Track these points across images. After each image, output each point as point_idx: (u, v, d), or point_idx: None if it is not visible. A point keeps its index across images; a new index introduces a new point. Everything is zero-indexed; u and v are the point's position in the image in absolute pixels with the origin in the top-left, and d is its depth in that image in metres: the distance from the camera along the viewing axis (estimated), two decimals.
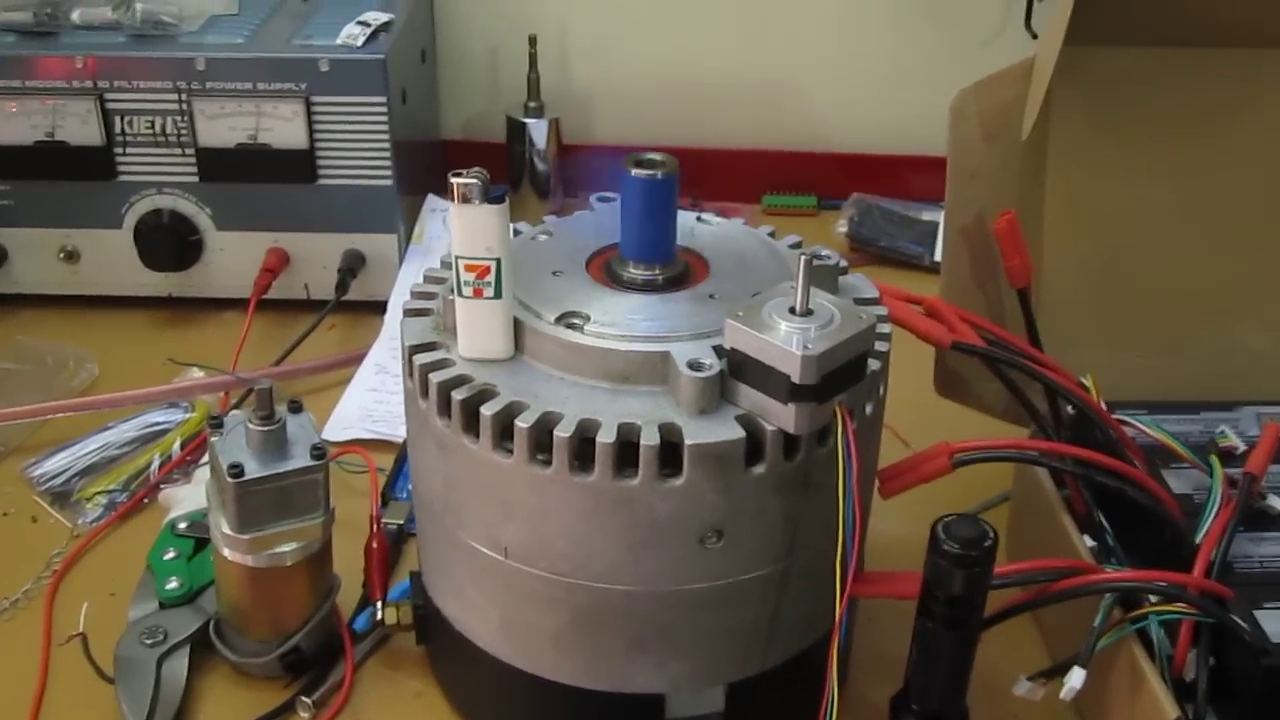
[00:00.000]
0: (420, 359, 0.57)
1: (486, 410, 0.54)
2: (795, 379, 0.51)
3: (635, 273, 0.59)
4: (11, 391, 0.89)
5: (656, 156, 0.58)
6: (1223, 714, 0.59)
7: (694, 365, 0.53)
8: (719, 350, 0.54)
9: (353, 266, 0.98)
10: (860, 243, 1.10)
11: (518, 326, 0.57)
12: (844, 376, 0.53)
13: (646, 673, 0.58)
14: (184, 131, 0.94)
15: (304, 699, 0.65)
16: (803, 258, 0.52)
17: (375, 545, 0.69)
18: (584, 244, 0.62)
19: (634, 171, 0.57)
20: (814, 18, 1.16)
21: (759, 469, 0.53)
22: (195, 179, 0.96)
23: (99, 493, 0.80)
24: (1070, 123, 0.72)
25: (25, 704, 0.66)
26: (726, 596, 0.56)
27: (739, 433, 0.52)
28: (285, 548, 0.63)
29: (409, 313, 0.61)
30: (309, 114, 0.93)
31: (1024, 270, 0.69)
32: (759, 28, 1.17)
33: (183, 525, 0.73)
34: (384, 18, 0.97)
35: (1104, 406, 0.67)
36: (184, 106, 0.93)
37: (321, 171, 0.95)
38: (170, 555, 0.71)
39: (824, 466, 0.55)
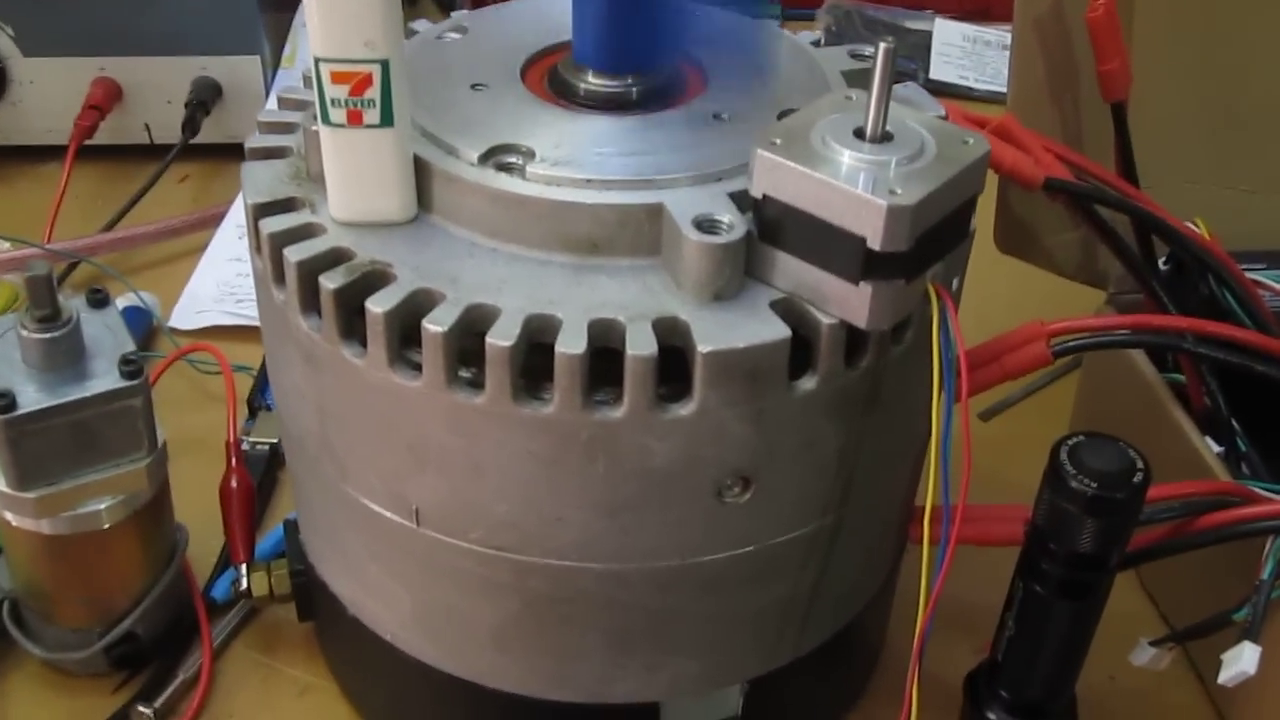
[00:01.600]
0: (270, 225, 0.37)
1: (376, 305, 0.34)
2: (875, 244, 0.32)
3: (596, 83, 0.39)
4: None
5: None
6: None
7: (704, 225, 0.34)
8: (740, 200, 0.34)
9: (205, 99, 0.76)
10: None
11: (422, 171, 0.36)
12: (942, 238, 0.33)
13: (635, 677, 0.40)
14: None
15: (141, 709, 0.46)
16: (884, 46, 0.32)
17: (235, 484, 0.50)
18: (516, 44, 0.42)
19: None
20: None
21: (807, 383, 0.34)
22: None
23: None
24: None
25: None
26: (752, 570, 0.38)
27: (781, 330, 0.33)
28: (95, 505, 0.44)
29: (254, 153, 0.40)
30: None
31: (1123, 78, 0.50)
32: None
33: None
34: None
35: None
36: None
37: None
38: None
39: (897, 374, 0.36)
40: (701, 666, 0.40)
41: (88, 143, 0.75)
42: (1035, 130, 0.49)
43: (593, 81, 0.39)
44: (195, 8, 0.74)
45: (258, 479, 0.54)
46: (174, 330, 0.65)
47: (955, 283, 0.38)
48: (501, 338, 0.33)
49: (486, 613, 0.38)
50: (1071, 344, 0.43)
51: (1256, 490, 0.43)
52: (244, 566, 0.48)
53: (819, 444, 0.36)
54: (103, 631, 0.47)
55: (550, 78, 0.40)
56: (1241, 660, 0.40)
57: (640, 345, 0.32)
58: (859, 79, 0.41)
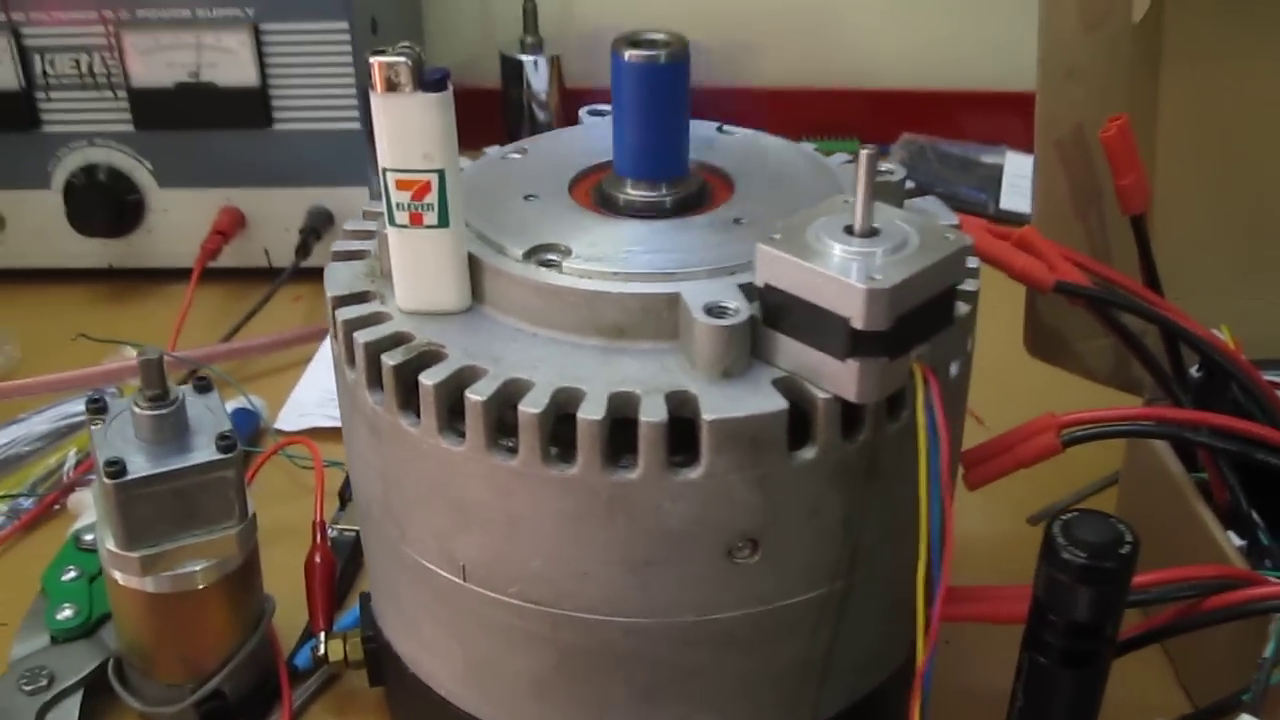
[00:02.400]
0: (344, 314, 0.42)
1: (428, 379, 0.39)
2: (858, 323, 0.36)
3: (634, 194, 0.44)
4: None
5: (659, 35, 0.43)
6: None
7: (713, 310, 0.38)
8: (748, 290, 0.39)
9: (317, 226, 0.83)
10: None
11: (475, 266, 0.42)
12: (924, 321, 0.37)
13: None
14: (114, 70, 0.80)
15: None
16: (864, 152, 0.37)
17: (318, 559, 0.55)
18: (569, 163, 0.47)
19: (628, 55, 0.42)
20: None
21: (807, 453, 0.38)
22: (130, 127, 0.81)
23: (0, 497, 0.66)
24: (1191, 6, 0.56)
25: None
26: (766, 629, 0.41)
27: (779, 403, 0.37)
28: (191, 567, 0.49)
29: (337, 255, 0.46)
30: (258, 44, 0.78)
31: (1140, 191, 0.53)
32: None
33: (89, 537, 0.58)
34: None
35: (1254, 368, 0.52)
36: (113, 41, 0.79)
37: (277, 114, 0.81)
38: (70, 575, 0.57)
39: (895, 449, 0.40)
40: None
41: (213, 265, 0.83)
42: (1062, 245, 0.53)
43: (630, 192, 0.44)
44: (311, 145, 0.82)
45: (343, 563, 0.59)
46: (279, 431, 0.71)
47: (954, 369, 0.42)
48: (532, 406, 0.37)
49: (527, 665, 0.42)
50: (1080, 434, 0.46)
51: (1263, 575, 0.46)
52: (323, 635, 0.53)
53: (823, 511, 0.40)
54: (194, 688, 0.51)
55: (594, 190, 0.46)
56: None
57: (653, 413, 0.37)
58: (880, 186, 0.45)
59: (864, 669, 0.45)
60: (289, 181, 0.83)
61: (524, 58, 0.97)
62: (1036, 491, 0.61)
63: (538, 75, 0.98)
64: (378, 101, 0.39)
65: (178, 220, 0.84)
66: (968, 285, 0.43)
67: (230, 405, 0.70)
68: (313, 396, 0.74)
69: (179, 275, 0.84)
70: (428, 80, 0.38)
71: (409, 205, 0.40)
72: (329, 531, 0.59)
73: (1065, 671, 0.42)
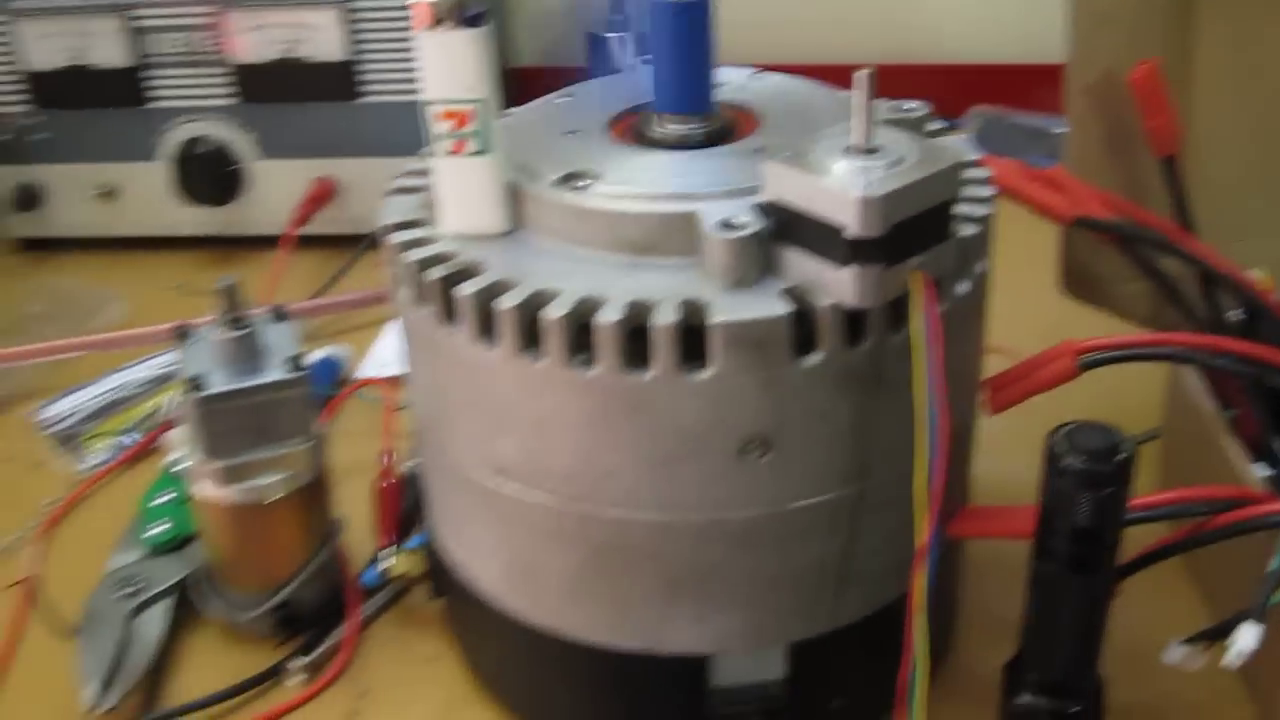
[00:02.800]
0: (396, 238, 0.46)
1: (463, 290, 0.42)
2: (853, 230, 0.39)
3: (666, 128, 0.48)
4: (39, 335, 0.81)
5: None
6: None
7: (726, 225, 0.41)
8: (761, 209, 0.42)
9: None
10: None
11: (514, 193, 0.45)
12: (920, 232, 0.40)
13: (684, 628, 0.46)
14: (217, 48, 0.85)
15: (294, 663, 0.55)
16: (861, 73, 0.39)
17: (385, 484, 0.59)
18: (611, 104, 0.51)
19: None
20: None
21: (813, 358, 0.41)
22: (231, 100, 0.87)
23: (106, 435, 0.71)
24: None
25: None
26: (780, 529, 0.44)
27: (783, 308, 0.40)
28: (266, 479, 0.53)
29: (394, 190, 0.50)
30: (346, 21, 0.83)
31: (1170, 133, 0.55)
32: None
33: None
34: None
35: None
36: (216, 19, 0.85)
37: (365, 88, 0.86)
38: (164, 498, 0.62)
39: (902, 358, 0.42)
40: (744, 622, 0.46)
41: (307, 232, 0.88)
42: (1094, 186, 0.54)
43: (661, 126, 0.48)
44: (397, 117, 0.87)
45: (414, 496, 0.63)
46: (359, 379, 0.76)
47: (962, 285, 0.44)
48: (556, 311, 0.41)
49: (559, 563, 0.46)
50: (1096, 358, 0.48)
51: (1272, 494, 0.47)
52: (388, 549, 0.57)
53: (830, 416, 0.42)
54: (269, 597, 0.56)
55: (631, 126, 0.49)
56: (1240, 640, 0.44)
57: (665, 316, 0.40)
58: (899, 123, 0.48)
59: (882, 580, 0.47)
60: (377, 151, 0.88)
61: (610, 36, 1.01)
62: None
63: (624, 53, 1.01)
64: (422, 38, 0.43)
65: (275, 189, 0.89)
66: (977, 210, 0.45)
67: (316, 354, 0.75)
68: (392, 349, 0.78)
69: (276, 242, 0.89)
70: (467, 16, 0.42)
71: (450, 134, 0.44)
72: (403, 467, 0.63)
73: (1071, 577, 0.44)
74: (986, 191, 0.46)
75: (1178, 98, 0.57)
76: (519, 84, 1.07)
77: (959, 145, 0.49)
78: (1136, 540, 0.46)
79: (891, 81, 1.07)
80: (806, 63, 1.03)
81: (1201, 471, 0.55)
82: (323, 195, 0.88)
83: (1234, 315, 0.57)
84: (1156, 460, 0.63)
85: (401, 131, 0.86)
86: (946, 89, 1.03)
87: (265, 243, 0.90)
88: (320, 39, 0.84)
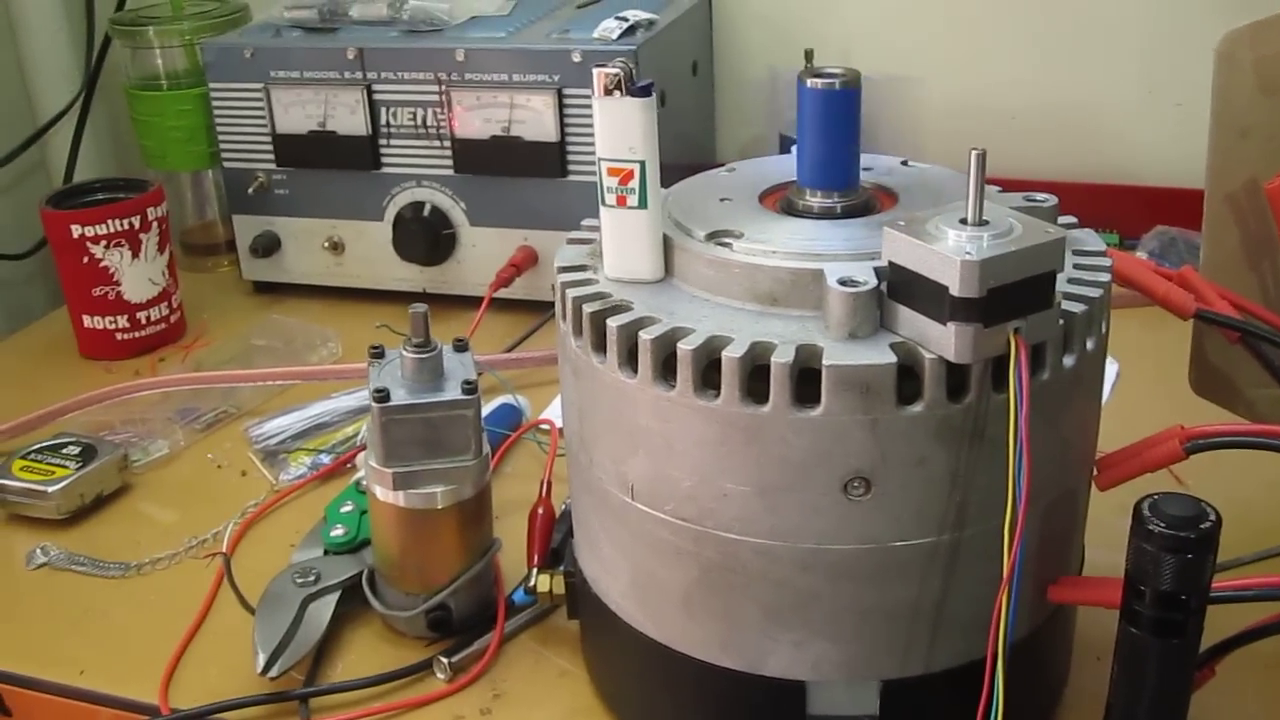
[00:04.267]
0: (563, 278, 0.53)
1: (613, 323, 0.48)
2: (955, 290, 0.43)
3: (811, 201, 0.53)
4: (257, 364, 0.91)
5: (838, 69, 0.52)
6: None
7: (846, 281, 0.46)
8: (880, 271, 0.47)
9: None
10: None
11: (668, 245, 0.51)
12: (1020, 298, 0.44)
13: (785, 652, 0.50)
14: (443, 123, 0.95)
15: (441, 659, 0.61)
16: (974, 152, 0.44)
17: (541, 510, 0.65)
18: (767, 179, 0.56)
19: (810, 83, 0.51)
20: (1117, 43, 1.06)
21: (916, 407, 0.45)
22: (450, 171, 0.96)
23: (307, 452, 0.80)
24: None
25: (186, 628, 0.66)
26: (878, 566, 0.48)
27: (889, 357, 0.45)
28: (433, 488, 0.60)
29: (569, 241, 0.56)
30: (560, 106, 0.92)
31: None
32: (1062, 52, 1.08)
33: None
34: (645, 15, 0.95)
35: None
36: (444, 98, 0.94)
37: (571, 167, 0.94)
38: (347, 508, 0.69)
39: (1002, 418, 0.46)
40: (840, 653, 0.50)
41: (508, 295, 0.96)
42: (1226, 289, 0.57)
43: (807, 199, 0.53)
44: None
45: (565, 531, 0.69)
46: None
47: (1068, 359, 0.48)
48: (688, 345, 0.46)
49: (676, 578, 0.51)
50: (1203, 444, 0.51)
51: None
52: (534, 570, 0.62)
53: (929, 463, 0.46)
54: (425, 599, 0.62)
55: (782, 198, 0.54)
56: None
57: (784, 356, 0.45)
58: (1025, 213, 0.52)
59: (976, 632, 0.50)
60: (578, 226, 0.95)
61: None
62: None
63: None
64: (597, 104, 0.49)
65: (483, 254, 0.98)
66: (1090, 292, 0.49)
67: (499, 401, 0.83)
68: None
69: (479, 303, 0.97)
70: (636, 88, 0.49)
71: (616, 189, 0.50)
72: (561, 506, 0.69)
73: (1155, 641, 0.47)
74: (1103, 277, 0.50)
75: None
76: None
77: (1082, 234, 0.53)
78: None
79: (1086, 201, 1.10)
80: (1009, 177, 1.08)
81: None
82: (524, 262, 0.96)
83: None
84: None
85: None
86: (1136, 211, 1.06)
87: (469, 302, 0.99)
88: (535, 120, 0.93)
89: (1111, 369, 0.84)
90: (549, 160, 0.94)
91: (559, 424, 0.80)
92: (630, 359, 0.49)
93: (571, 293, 0.51)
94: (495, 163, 0.95)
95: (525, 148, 0.94)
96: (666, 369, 0.47)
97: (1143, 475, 0.52)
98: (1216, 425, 0.51)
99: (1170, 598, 0.45)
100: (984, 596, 0.48)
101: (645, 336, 0.47)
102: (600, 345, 0.50)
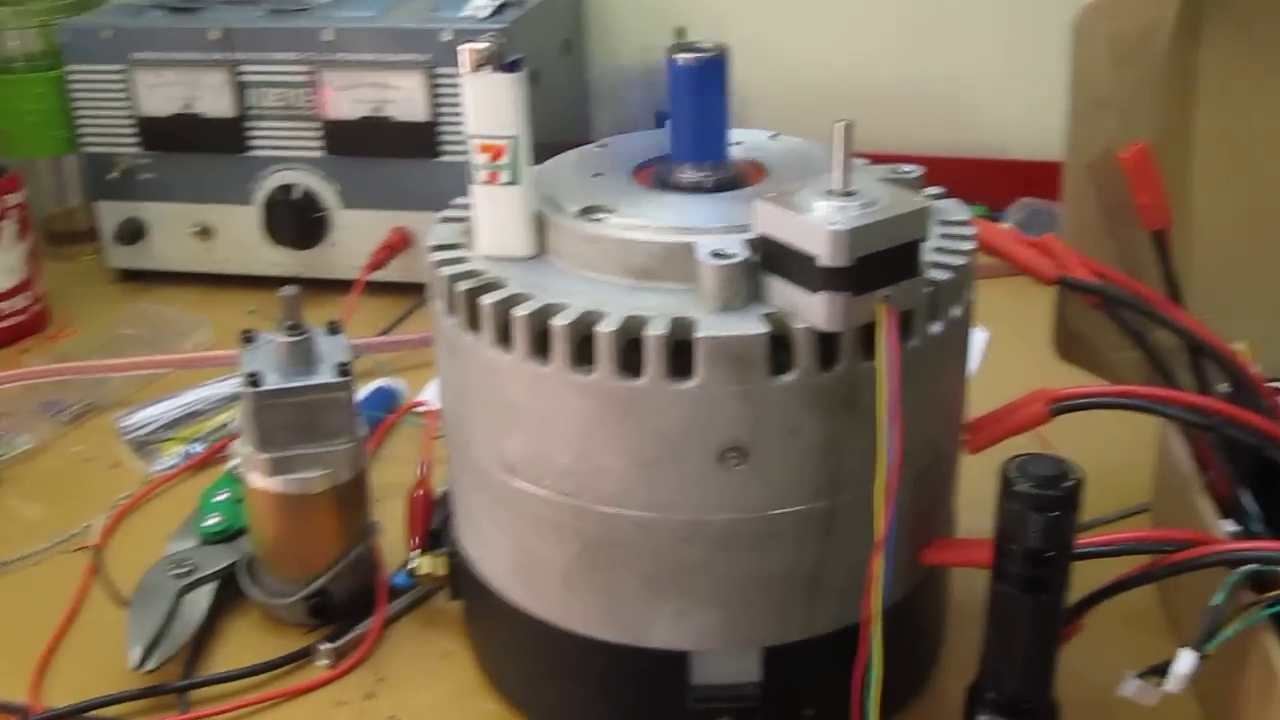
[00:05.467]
0: (436, 256, 0.52)
1: (486, 301, 0.48)
2: (823, 260, 0.44)
3: (682, 176, 0.53)
4: (126, 354, 0.89)
5: (704, 43, 0.52)
6: None
7: (717, 254, 0.46)
8: (750, 242, 0.47)
9: None
10: None
11: (541, 222, 0.51)
12: (887, 266, 0.45)
13: (667, 623, 0.50)
14: (312, 104, 0.93)
15: (322, 646, 0.60)
16: (842, 125, 0.45)
17: (420, 492, 0.64)
18: (639, 154, 0.56)
19: (678, 57, 0.52)
20: (981, 19, 1.08)
21: (788, 377, 0.46)
22: (321, 153, 0.95)
23: (179, 441, 0.78)
24: (1223, 49, 0.62)
25: (57, 625, 0.64)
26: (756, 534, 0.48)
27: (761, 328, 0.45)
28: (309, 473, 0.59)
29: (443, 220, 0.56)
30: (431, 85, 0.91)
31: (1158, 211, 0.59)
32: (923, 27, 1.10)
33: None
34: None
35: (1258, 372, 0.57)
36: (312, 78, 0.93)
37: (443, 147, 0.93)
38: (222, 496, 0.68)
39: (873, 385, 0.47)
40: (722, 622, 0.50)
41: (383, 278, 0.95)
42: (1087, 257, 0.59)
43: (679, 174, 0.53)
44: None
45: (445, 514, 0.68)
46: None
47: (935, 326, 0.49)
48: (562, 320, 0.46)
49: (557, 555, 0.51)
50: (1066, 405, 0.52)
51: (1221, 538, 0.50)
52: (416, 552, 0.62)
53: (803, 432, 0.47)
54: (304, 585, 0.61)
55: (654, 173, 0.54)
56: (1178, 665, 0.47)
57: (656, 329, 0.45)
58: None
59: (854, 596, 0.51)
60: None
61: None
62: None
63: None
64: (466, 80, 0.49)
65: (356, 236, 0.97)
66: (954, 260, 0.50)
67: (376, 384, 0.82)
68: None
69: (355, 286, 0.96)
70: (505, 63, 0.48)
71: (487, 165, 0.50)
72: (439, 489, 0.68)
73: (1024, 598, 0.48)
74: (967, 245, 0.51)
75: (1175, 178, 0.61)
76: None
77: (947, 204, 0.54)
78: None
79: (953, 175, 1.12)
80: (874, 152, 1.10)
81: (1177, 519, 0.58)
82: (398, 244, 0.95)
83: (1222, 388, 0.60)
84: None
85: None
86: (1003, 184, 1.08)
87: (344, 285, 0.97)
88: (406, 100, 0.92)
89: (980, 337, 0.87)
90: (421, 140, 0.93)
91: (437, 406, 0.80)
92: (504, 336, 0.48)
93: (444, 271, 0.51)
94: (366, 144, 0.94)
95: (396, 128, 0.93)
96: (541, 345, 0.47)
97: (1011, 438, 0.53)
98: (1079, 387, 0.53)
99: (1037, 555, 0.47)
100: (860, 561, 0.49)
101: (518, 313, 0.47)
102: (474, 323, 0.49)
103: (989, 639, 0.50)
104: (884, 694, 0.47)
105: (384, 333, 0.91)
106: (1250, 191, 0.63)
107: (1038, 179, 1.07)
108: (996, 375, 0.68)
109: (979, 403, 0.55)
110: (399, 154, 0.94)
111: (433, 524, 0.64)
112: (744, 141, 0.57)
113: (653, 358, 0.45)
